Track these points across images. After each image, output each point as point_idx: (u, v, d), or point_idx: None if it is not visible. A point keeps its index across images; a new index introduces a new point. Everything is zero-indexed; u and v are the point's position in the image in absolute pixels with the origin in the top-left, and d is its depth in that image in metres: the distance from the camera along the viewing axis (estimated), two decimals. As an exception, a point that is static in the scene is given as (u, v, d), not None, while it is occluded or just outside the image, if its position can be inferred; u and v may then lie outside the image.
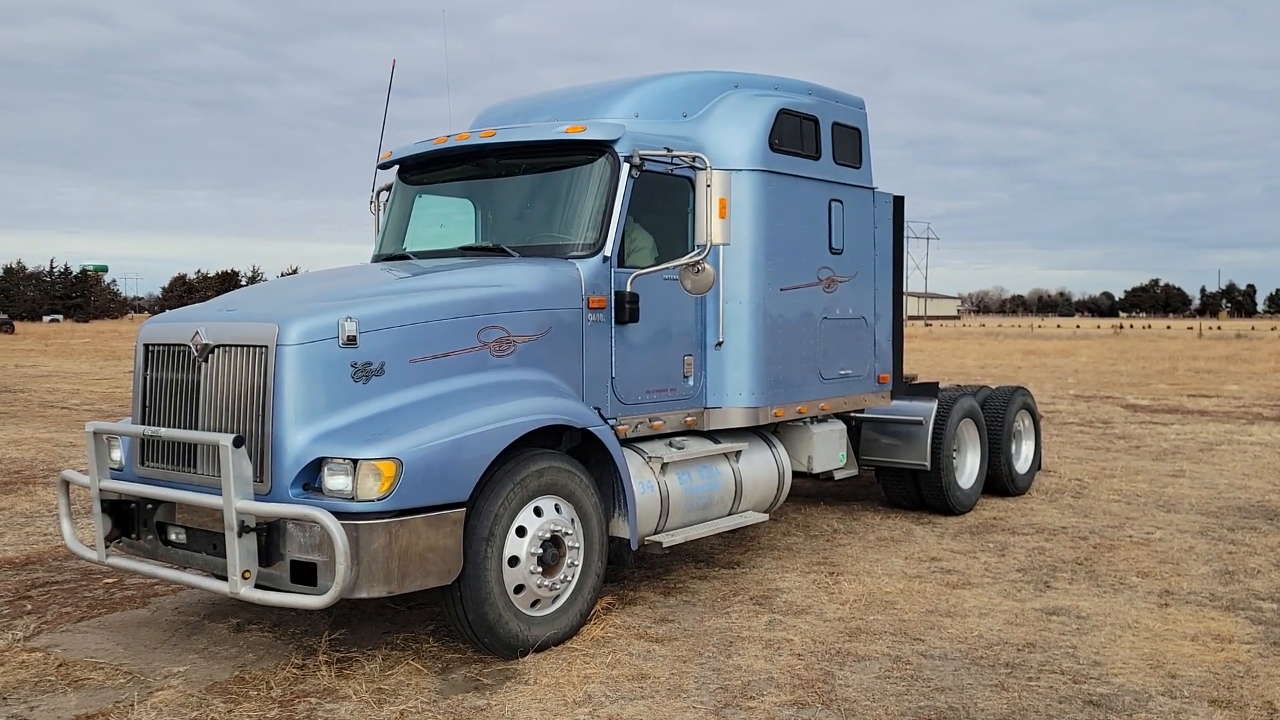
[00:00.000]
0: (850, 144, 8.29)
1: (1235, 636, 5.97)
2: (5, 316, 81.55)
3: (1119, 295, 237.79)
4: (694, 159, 6.49)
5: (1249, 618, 6.33)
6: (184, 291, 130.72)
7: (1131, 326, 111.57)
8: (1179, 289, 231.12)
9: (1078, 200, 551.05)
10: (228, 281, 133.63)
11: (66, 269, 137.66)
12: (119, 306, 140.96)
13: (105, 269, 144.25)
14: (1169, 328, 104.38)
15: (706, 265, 6.36)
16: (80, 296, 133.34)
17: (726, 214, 6.37)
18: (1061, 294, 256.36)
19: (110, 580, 7.16)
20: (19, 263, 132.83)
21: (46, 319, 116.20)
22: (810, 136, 7.80)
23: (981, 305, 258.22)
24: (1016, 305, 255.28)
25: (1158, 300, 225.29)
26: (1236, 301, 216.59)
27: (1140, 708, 4.92)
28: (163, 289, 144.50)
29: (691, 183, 6.67)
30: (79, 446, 13.50)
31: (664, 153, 6.53)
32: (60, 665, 5.47)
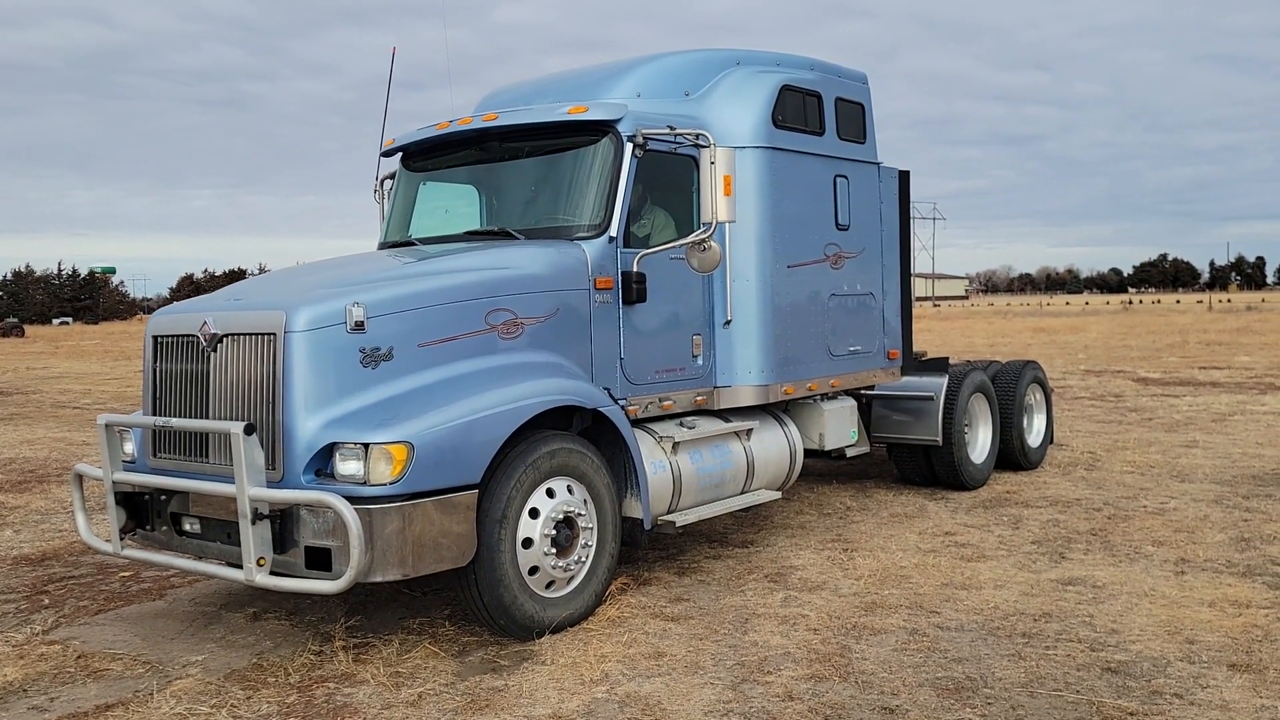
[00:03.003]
0: (854, 119, 8.24)
1: (1253, 602, 5.94)
2: (16, 320, 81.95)
3: (1128, 271, 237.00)
4: (697, 137, 6.44)
5: (1266, 583, 6.30)
6: (192, 291, 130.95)
7: (1140, 302, 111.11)
8: (1188, 263, 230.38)
9: (1087, 177, 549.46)
10: (235, 280, 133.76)
11: (75, 271, 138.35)
12: (128, 307, 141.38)
13: (113, 270, 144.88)
14: (1178, 302, 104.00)
15: (713, 243, 6.33)
16: (89, 298, 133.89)
17: (731, 191, 6.34)
18: (1070, 271, 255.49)
19: (126, 573, 7.19)
20: (27, 266, 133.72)
21: (56, 322, 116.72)
22: (814, 112, 7.76)
23: (990, 284, 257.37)
24: (1025, 284, 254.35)
25: (1166, 275, 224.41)
26: (1246, 274, 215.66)
27: (1159, 673, 4.91)
28: (170, 289, 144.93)
29: (696, 161, 6.64)
30: (91, 445, 13.55)
31: (667, 131, 6.50)
32: (79, 657, 5.49)
